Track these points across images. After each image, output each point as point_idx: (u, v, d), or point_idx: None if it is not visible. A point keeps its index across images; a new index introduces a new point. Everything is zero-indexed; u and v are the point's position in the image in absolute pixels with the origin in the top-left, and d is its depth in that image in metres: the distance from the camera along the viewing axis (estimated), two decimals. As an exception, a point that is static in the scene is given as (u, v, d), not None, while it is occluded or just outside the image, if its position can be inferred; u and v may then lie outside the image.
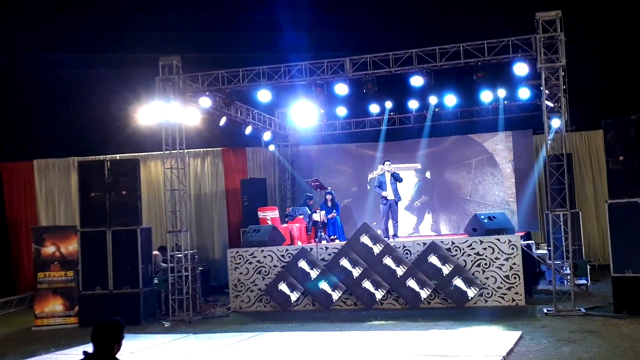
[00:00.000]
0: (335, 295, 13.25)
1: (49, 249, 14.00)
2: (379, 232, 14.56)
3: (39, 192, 19.98)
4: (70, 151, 19.83)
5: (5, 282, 18.58)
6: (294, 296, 13.50)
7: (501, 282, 12.42)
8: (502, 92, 17.10)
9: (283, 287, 13.52)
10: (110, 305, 12.99)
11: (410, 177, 18.83)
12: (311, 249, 13.76)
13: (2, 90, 19.36)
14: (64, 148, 19.86)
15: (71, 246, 14.03)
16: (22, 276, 19.08)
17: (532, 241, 15.62)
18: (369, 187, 19.08)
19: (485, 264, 12.54)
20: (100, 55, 18.77)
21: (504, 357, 8.18)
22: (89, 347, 4.41)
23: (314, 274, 13.38)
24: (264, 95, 14.40)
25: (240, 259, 14.09)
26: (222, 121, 15.89)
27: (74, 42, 19.03)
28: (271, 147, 19.46)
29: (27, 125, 19.65)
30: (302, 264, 13.47)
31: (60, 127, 19.53)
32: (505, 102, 17.85)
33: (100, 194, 13.78)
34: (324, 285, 13.27)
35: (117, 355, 4.40)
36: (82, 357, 4.33)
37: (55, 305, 13.79)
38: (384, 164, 15.27)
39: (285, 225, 16.07)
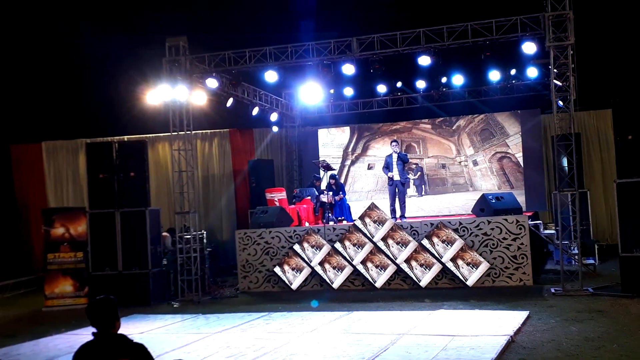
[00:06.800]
0: (343, 276, 13.31)
1: (59, 230, 14.11)
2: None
3: (48, 174, 20.07)
4: (78, 133, 19.87)
5: (16, 263, 18.70)
6: (301, 277, 13.58)
7: (509, 262, 12.43)
8: (510, 71, 17.00)
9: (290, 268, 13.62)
10: (120, 285, 13.13)
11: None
12: (319, 229, 13.79)
13: (9, 73, 19.36)
14: (72, 130, 19.90)
15: (80, 227, 14.13)
16: (32, 257, 19.21)
17: (540, 221, 15.61)
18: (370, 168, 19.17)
19: (493, 244, 12.55)
20: (107, 36, 18.73)
21: (511, 336, 8.20)
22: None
23: (319, 255, 13.45)
24: (270, 76, 14.35)
25: (248, 240, 14.15)
26: (229, 102, 15.88)
27: (81, 23, 18.99)
28: (275, 128, 19.42)
29: (35, 107, 19.68)
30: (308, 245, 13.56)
31: (68, 109, 19.56)
32: (514, 81, 17.75)
33: (109, 175, 13.85)
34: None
35: (129, 336, 4.44)
36: (92, 337, 4.37)
37: (65, 286, 13.92)
38: (391, 145, 15.24)
39: (292, 206, 16.09)
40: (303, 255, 13.58)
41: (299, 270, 13.64)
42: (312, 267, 13.51)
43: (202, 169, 19.76)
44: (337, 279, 13.36)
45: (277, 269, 13.75)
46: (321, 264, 13.47)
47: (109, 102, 18.93)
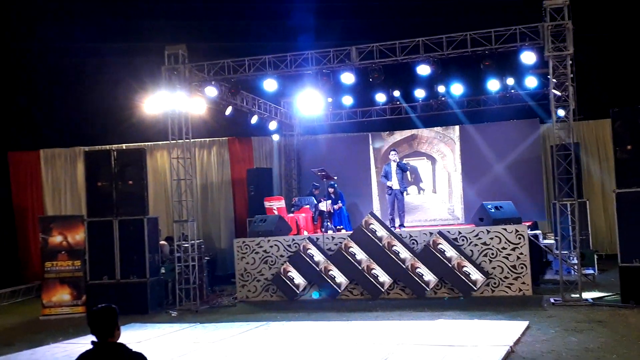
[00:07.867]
0: (342, 286, 13.26)
1: (56, 239, 14.07)
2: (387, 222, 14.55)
3: (46, 182, 20.03)
4: (76, 141, 19.86)
5: (13, 271, 18.64)
6: (300, 286, 13.53)
7: (508, 272, 12.40)
8: (509, 81, 17.03)
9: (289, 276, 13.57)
10: (118, 294, 13.06)
11: (423, 166, 18.94)
12: (317, 238, 13.76)
13: (8, 80, 19.36)
14: (70, 138, 19.88)
15: (78, 236, 14.10)
16: (29, 266, 19.14)
17: (539, 231, 15.58)
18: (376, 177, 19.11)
19: (492, 254, 12.52)
20: (106, 44, 18.75)
21: (511, 346, 8.17)
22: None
23: (319, 265, 13.40)
24: (269, 85, 14.35)
25: (246, 248, 14.11)
26: (228, 111, 15.88)
27: (80, 30, 19.00)
28: (275, 137, 19.44)
29: (33, 114, 19.66)
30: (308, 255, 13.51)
31: (66, 117, 19.55)
32: (512, 90, 17.76)
33: (107, 183, 13.83)
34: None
35: (127, 344, 4.41)
36: (91, 346, 4.34)
37: (63, 294, 13.87)
38: (389, 154, 15.24)
39: (291, 215, 16.07)
40: (308, 260, 13.48)
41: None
42: (318, 271, 13.40)
43: (201, 177, 19.74)
44: (340, 286, 13.30)
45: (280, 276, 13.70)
46: (324, 271, 13.43)
47: (108, 109, 18.93)
